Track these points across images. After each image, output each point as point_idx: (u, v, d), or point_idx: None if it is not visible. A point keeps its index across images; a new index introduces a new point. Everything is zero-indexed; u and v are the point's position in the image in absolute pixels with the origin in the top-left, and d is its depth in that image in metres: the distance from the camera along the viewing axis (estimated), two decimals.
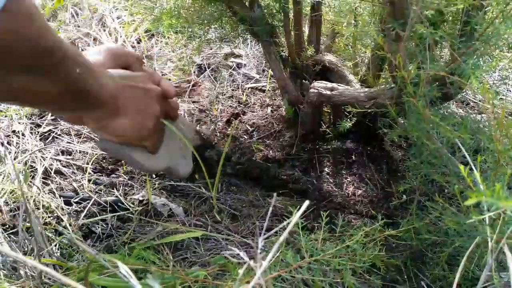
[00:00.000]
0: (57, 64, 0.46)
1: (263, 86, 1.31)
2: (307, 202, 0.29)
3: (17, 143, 0.94)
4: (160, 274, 0.51)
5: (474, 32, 0.66)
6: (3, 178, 0.84)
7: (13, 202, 0.80)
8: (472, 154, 0.63)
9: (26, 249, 0.72)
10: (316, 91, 0.93)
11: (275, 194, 0.33)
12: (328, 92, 0.91)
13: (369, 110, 0.86)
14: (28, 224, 0.75)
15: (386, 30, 0.69)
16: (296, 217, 0.31)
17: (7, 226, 0.77)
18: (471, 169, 0.49)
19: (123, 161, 0.95)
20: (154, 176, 0.93)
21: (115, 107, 0.57)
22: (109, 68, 0.59)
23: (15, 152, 0.92)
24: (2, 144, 0.92)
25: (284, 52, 1.03)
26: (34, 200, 0.80)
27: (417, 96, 0.62)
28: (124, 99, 0.57)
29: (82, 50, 0.57)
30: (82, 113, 0.61)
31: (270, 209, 0.31)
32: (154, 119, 0.63)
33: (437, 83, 0.70)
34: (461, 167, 0.44)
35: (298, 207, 0.79)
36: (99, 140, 0.63)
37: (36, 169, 0.89)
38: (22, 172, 0.85)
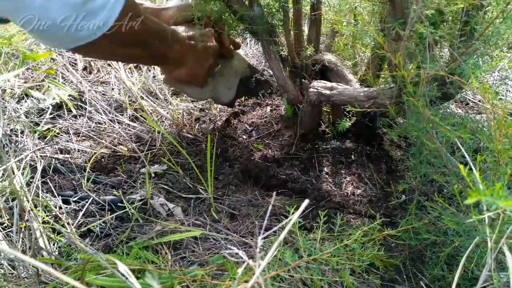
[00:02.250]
0: (150, 42, 0.75)
1: None
2: (306, 201, 0.28)
3: (16, 141, 0.94)
4: (158, 274, 0.50)
5: (474, 32, 0.66)
6: (1, 177, 0.83)
7: (12, 200, 0.80)
8: (472, 154, 0.63)
9: (24, 247, 0.72)
10: (315, 90, 0.92)
11: (274, 194, 0.33)
12: (328, 92, 0.91)
13: (368, 110, 0.86)
14: (27, 223, 0.74)
15: (386, 29, 0.68)
16: (295, 216, 0.30)
17: (6, 225, 0.76)
18: (470, 169, 0.48)
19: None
20: (153, 175, 0.93)
21: (179, 62, 0.86)
22: (184, 21, 0.87)
23: (14, 151, 0.91)
24: (1, 142, 0.92)
25: (283, 52, 1.03)
26: (32, 199, 0.79)
27: (417, 96, 0.62)
28: (187, 56, 0.85)
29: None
30: (156, 65, 1.04)
31: (270, 208, 0.31)
32: (206, 69, 0.91)
33: (437, 83, 0.70)
34: (461, 166, 0.44)
35: (295, 206, 0.78)
36: (163, 78, 0.95)
37: (35, 167, 0.88)
38: (21, 170, 0.85)
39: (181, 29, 0.84)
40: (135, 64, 1.30)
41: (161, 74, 1.07)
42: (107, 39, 0.63)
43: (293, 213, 0.59)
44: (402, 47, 0.60)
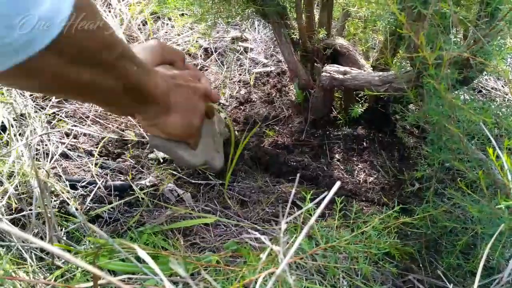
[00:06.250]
0: (117, 59, 0.49)
1: (271, 71, 1.28)
2: (338, 183, 0.26)
3: (22, 125, 0.92)
4: (171, 259, 0.49)
5: (497, 12, 0.63)
6: (11, 161, 0.82)
7: (19, 185, 0.78)
8: (494, 140, 0.61)
9: (33, 232, 0.71)
10: (328, 74, 0.90)
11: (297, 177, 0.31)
12: (341, 76, 0.88)
13: (381, 96, 0.83)
14: (38, 209, 0.73)
15: (406, 10, 0.66)
16: (324, 202, 0.29)
17: (13, 209, 0.75)
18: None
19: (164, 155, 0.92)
20: (161, 161, 0.91)
21: (166, 105, 0.61)
22: (156, 64, 0.64)
23: (20, 135, 0.90)
24: (6, 127, 0.90)
25: (294, 35, 1.00)
26: (42, 183, 0.78)
27: (439, 79, 0.59)
28: (175, 97, 0.61)
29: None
30: (136, 110, 0.63)
31: (292, 193, 0.29)
32: (200, 117, 0.69)
33: (457, 65, 0.68)
34: (490, 150, 0.42)
35: (311, 192, 0.76)
36: (150, 137, 0.69)
37: (41, 152, 0.87)
38: (32, 155, 0.84)
39: (158, 68, 0.64)
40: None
41: (143, 128, 0.77)
42: (54, 52, 0.40)
43: (310, 200, 0.57)
44: (426, 27, 0.57)
